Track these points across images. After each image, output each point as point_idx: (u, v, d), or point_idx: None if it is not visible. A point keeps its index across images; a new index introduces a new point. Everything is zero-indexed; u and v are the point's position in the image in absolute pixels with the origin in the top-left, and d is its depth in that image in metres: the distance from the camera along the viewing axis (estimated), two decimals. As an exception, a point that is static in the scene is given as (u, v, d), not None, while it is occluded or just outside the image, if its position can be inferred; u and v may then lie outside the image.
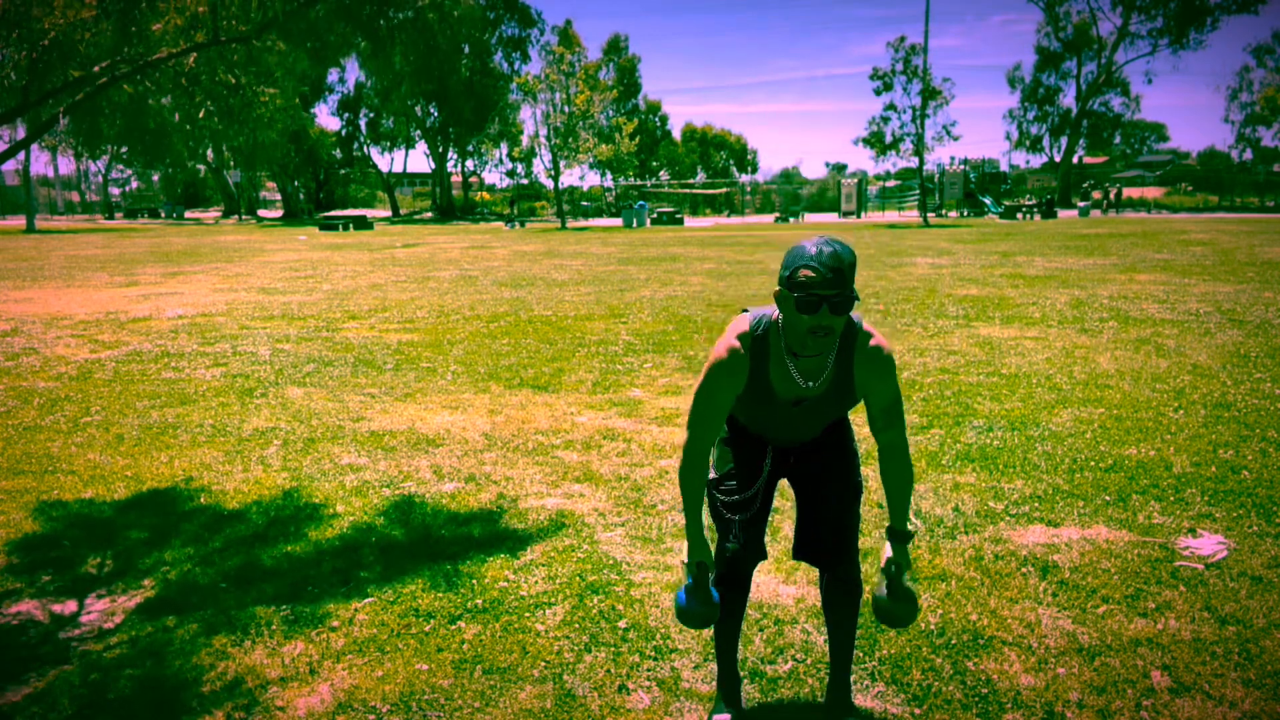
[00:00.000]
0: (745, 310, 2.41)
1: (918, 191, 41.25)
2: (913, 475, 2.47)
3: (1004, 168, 57.26)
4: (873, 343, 2.31)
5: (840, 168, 76.47)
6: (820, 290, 2.11)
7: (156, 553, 3.93)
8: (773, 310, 2.33)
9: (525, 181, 55.98)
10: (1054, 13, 51.04)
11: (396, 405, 6.44)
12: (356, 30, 4.62)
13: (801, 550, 2.59)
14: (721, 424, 2.43)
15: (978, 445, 5.22)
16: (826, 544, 2.53)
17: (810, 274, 2.11)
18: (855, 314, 2.33)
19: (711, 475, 2.54)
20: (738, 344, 2.31)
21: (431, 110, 52.47)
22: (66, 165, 68.95)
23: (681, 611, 2.46)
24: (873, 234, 28.49)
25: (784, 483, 2.67)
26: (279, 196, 62.27)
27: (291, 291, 13.84)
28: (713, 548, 2.56)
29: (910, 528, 2.50)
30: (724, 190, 56.88)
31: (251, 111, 4.66)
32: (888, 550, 2.43)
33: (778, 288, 2.20)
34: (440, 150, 54.52)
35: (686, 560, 2.45)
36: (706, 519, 2.53)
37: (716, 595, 2.45)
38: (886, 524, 2.47)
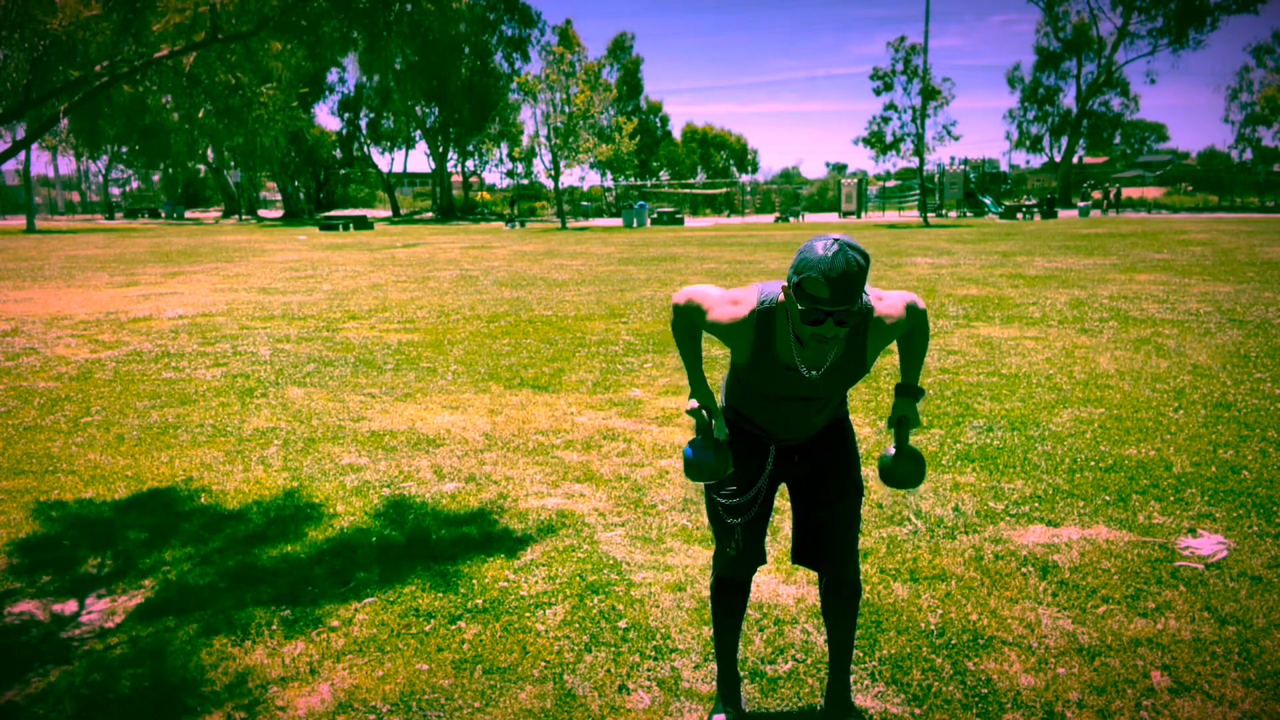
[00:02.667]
0: (756, 283, 2.38)
1: (918, 191, 41.26)
2: (929, 341, 2.47)
3: (1004, 168, 57.30)
4: (880, 312, 2.29)
5: (840, 168, 76.49)
6: (827, 307, 2.08)
7: (157, 553, 3.93)
8: (780, 290, 2.29)
9: (525, 181, 55.94)
10: (1054, 13, 51.04)
11: (397, 405, 6.45)
12: (353, 24, 4.61)
13: (801, 554, 2.58)
14: (702, 325, 2.41)
15: (978, 445, 5.22)
16: (827, 544, 2.52)
17: (818, 290, 2.06)
18: (867, 290, 2.29)
19: (711, 481, 2.53)
20: (745, 313, 2.30)
21: (431, 110, 52.47)
22: (67, 165, 68.98)
23: (690, 464, 2.41)
24: (873, 234, 28.49)
25: (783, 486, 2.66)
26: (279, 196, 62.26)
27: (292, 291, 13.84)
28: (716, 548, 2.56)
29: (922, 394, 2.48)
30: (724, 190, 56.85)
31: (251, 110, 4.67)
32: (896, 407, 2.43)
33: (786, 284, 2.17)
34: (440, 150, 54.53)
35: (689, 409, 2.43)
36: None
37: (725, 439, 2.42)
38: (896, 386, 2.48)
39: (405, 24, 4.77)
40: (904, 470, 2.45)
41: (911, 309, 2.37)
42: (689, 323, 2.46)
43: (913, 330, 2.44)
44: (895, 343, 2.48)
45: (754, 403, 2.45)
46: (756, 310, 2.29)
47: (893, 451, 2.46)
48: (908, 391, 2.46)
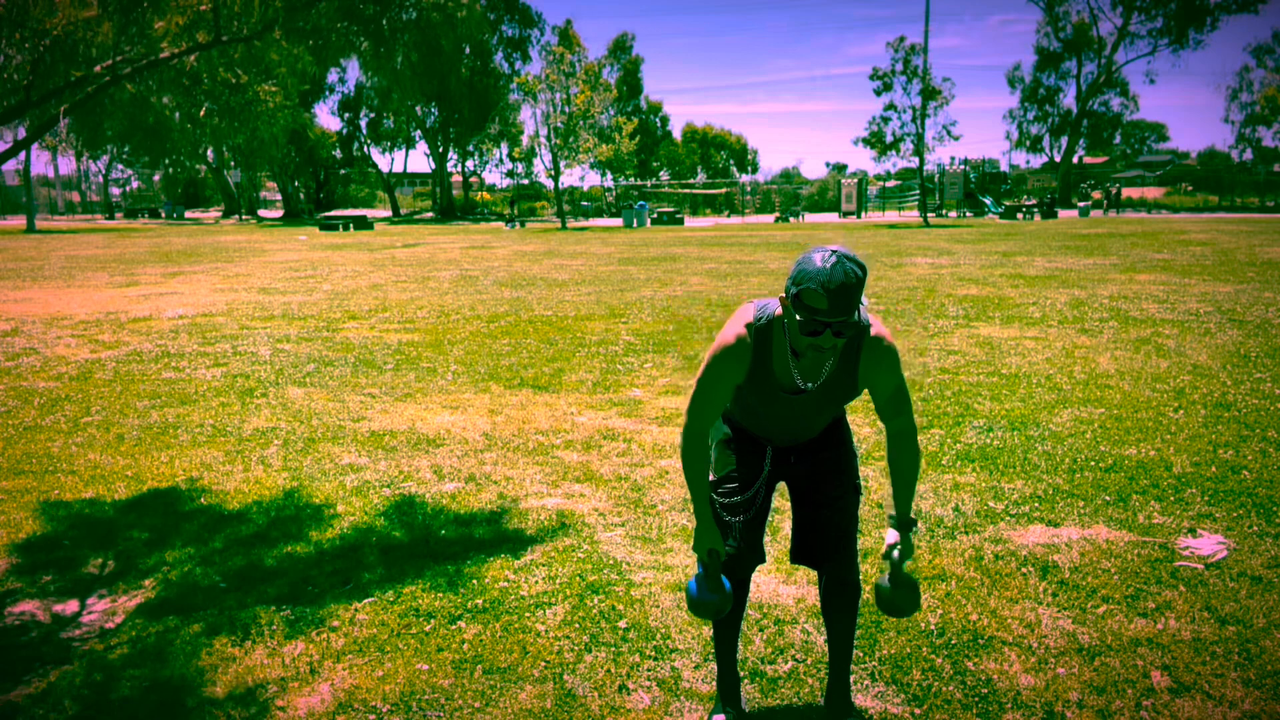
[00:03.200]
0: (750, 301, 2.40)
1: (918, 191, 41.24)
2: (919, 462, 2.47)
3: (1004, 168, 57.24)
4: (875, 333, 2.30)
5: (840, 168, 76.35)
6: (825, 318, 2.10)
7: (157, 553, 3.94)
8: (777, 304, 2.32)
9: (525, 181, 55.95)
10: (1054, 13, 51.00)
11: (397, 405, 6.45)
12: (359, 30, 4.62)
13: (800, 553, 2.59)
14: (720, 410, 2.42)
15: (978, 445, 5.22)
16: (826, 544, 2.52)
17: (816, 301, 2.08)
18: (864, 312, 2.31)
19: (711, 477, 2.53)
20: (744, 332, 2.31)
21: (431, 110, 52.47)
22: (67, 165, 69.02)
23: (694, 602, 2.44)
24: (873, 234, 28.49)
25: (783, 485, 2.67)
26: (279, 196, 62.25)
27: (292, 291, 13.85)
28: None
29: (914, 517, 2.48)
30: (724, 190, 56.84)
31: (253, 110, 4.67)
32: (891, 537, 2.42)
33: (784, 295, 2.19)
34: (440, 150, 54.52)
35: (695, 548, 2.45)
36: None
37: (728, 584, 2.44)
38: (889, 517, 2.47)
39: (412, 31, 4.77)
40: (902, 600, 2.45)
41: (893, 348, 2.33)
42: (702, 441, 2.42)
43: (901, 444, 2.41)
44: (887, 466, 2.47)
45: (750, 414, 2.48)
46: (753, 326, 2.31)
47: (887, 581, 2.44)
48: (903, 524, 2.42)
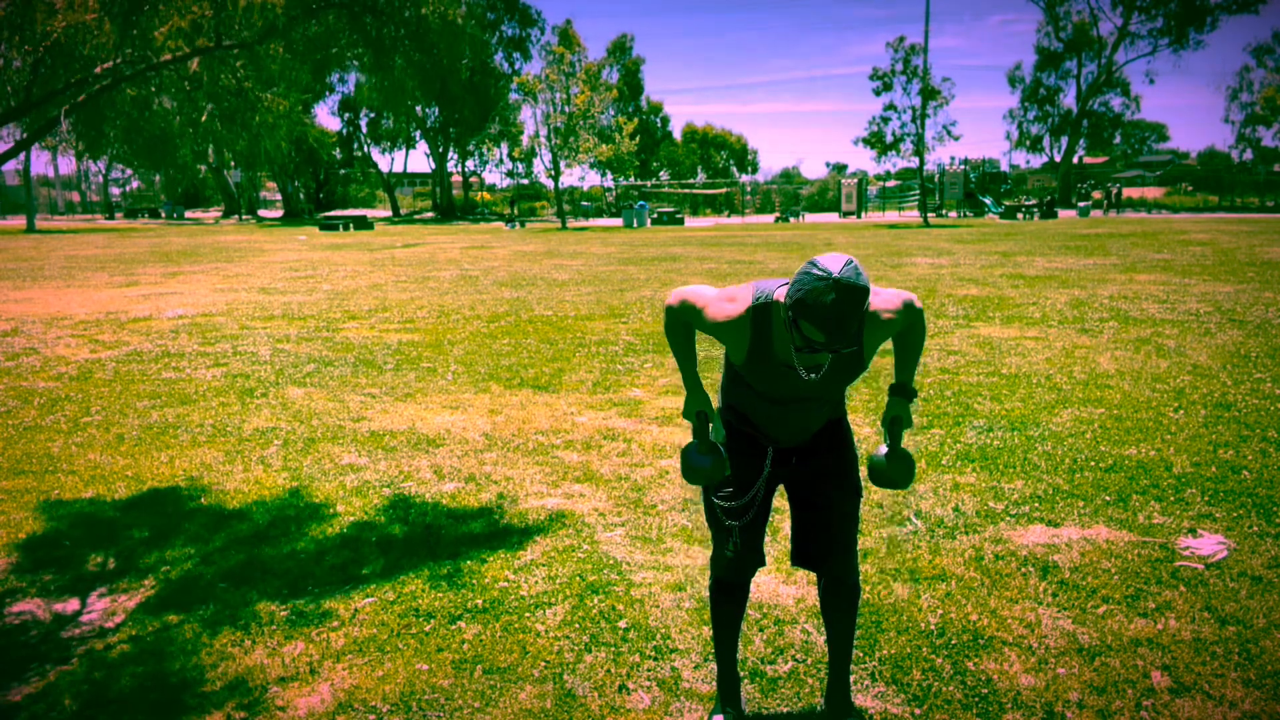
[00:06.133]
0: (751, 282, 2.37)
1: (918, 191, 41.24)
2: (924, 339, 2.48)
3: (1004, 168, 57.22)
4: (874, 307, 2.29)
5: (840, 168, 76.39)
6: (824, 349, 2.05)
7: (157, 552, 3.94)
8: (776, 288, 2.27)
9: (525, 181, 55.94)
10: (1054, 13, 51.02)
11: (397, 405, 6.45)
12: (360, 40, 4.62)
13: (800, 557, 2.57)
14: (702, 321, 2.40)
15: (978, 445, 5.23)
16: (826, 545, 2.51)
17: (815, 335, 2.02)
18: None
19: (708, 484, 2.52)
20: (743, 312, 2.28)
21: (431, 110, 52.45)
22: (67, 165, 68.97)
23: (686, 468, 2.42)
24: (873, 234, 28.49)
25: (782, 487, 2.66)
26: (279, 196, 62.24)
27: (292, 291, 13.85)
28: (713, 523, 2.55)
29: (913, 399, 2.49)
30: (724, 190, 56.82)
31: (254, 115, 4.67)
32: (890, 407, 2.43)
33: (785, 301, 2.10)
34: (440, 150, 54.52)
35: (684, 414, 2.45)
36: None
37: (724, 451, 2.42)
38: (890, 386, 2.48)
39: (412, 40, 4.77)
40: (895, 471, 2.46)
41: (908, 307, 2.37)
42: (683, 324, 2.46)
43: (909, 328, 2.44)
44: (891, 341, 2.49)
45: (752, 402, 2.45)
46: (753, 307, 2.28)
47: (884, 451, 2.47)
48: (902, 391, 2.46)
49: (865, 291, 2.02)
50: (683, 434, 5.55)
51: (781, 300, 2.22)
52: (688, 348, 2.50)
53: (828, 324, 1.99)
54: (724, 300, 2.34)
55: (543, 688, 2.82)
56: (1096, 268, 15.37)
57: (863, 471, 2.62)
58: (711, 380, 2.81)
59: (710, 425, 2.46)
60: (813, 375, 2.27)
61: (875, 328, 2.29)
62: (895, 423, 2.46)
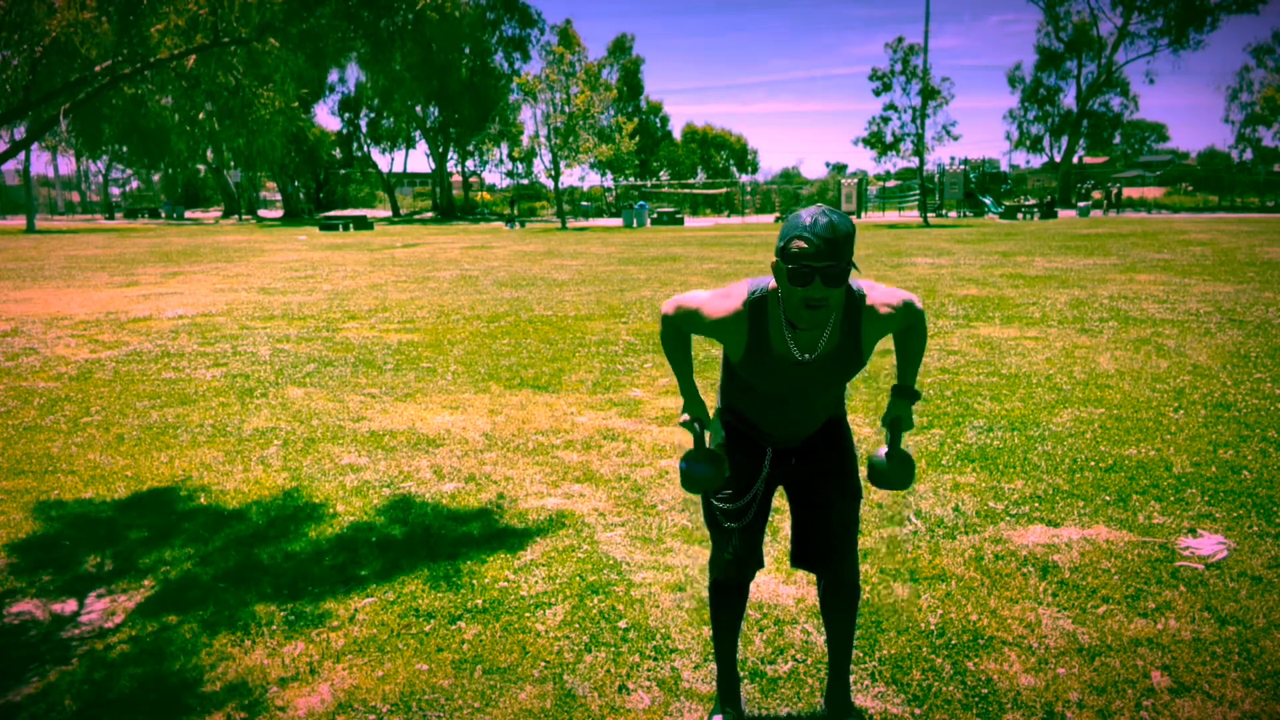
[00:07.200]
0: (745, 279, 2.38)
1: (918, 192, 41.24)
2: (926, 342, 2.50)
3: (1004, 168, 57.21)
4: (872, 301, 2.29)
5: (840, 168, 76.33)
6: (813, 262, 2.07)
7: (157, 552, 3.93)
8: (770, 280, 2.29)
9: (525, 181, 55.91)
10: (1054, 13, 51.03)
11: (396, 405, 6.45)
12: (357, 33, 4.62)
13: (800, 558, 2.57)
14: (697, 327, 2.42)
15: (978, 445, 5.22)
16: (826, 547, 2.51)
17: (803, 245, 2.07)
18: (859, 282, 2.30)
19: (706, 491, 2.52)
20: (740, 306, 2.29)
21: (431, 110, 52.46)
22: (67, 165, 68.95)
23: (684, 476, 2.42)
24: (873, 234, 28.49)
25: (782, 488, 2.65)
26: (279, 196, 62.25)
27: (291, 291, 13.84)
28: (709, 505, 2.55)
29: (913, 406, 2.50)
30: (724, 190, 56.82)
31: (251, 113, 4.66)
32: (891, 407, 2.43)
33: (774, 258, 2.17)
34: (440, 150, 54.52)
35: (682, 421, 2.47)
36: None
37: (722, 456, 2.42)
38: (891, 388, 2.50)
39: (409, 33, 4.77)
40: (895, 472, 2.46)
41: (908, 306, 2.37)
42: (679, 331, 2.48)
43: (909, 329, 2.44)
44: (892, 341, 2.49)
45: (752, 401, 2.45)
46: (749, 301, 2.29)
47: (884, 452, 2.47)
48: (903, 393, 2.47)
49: (851, 222, 2.12)
50: (683, 434, 5.55)
51: (774, 289, 2.25)
52: (684, 356, 2.51)
53: (814, 230, 2.07)
54: (719, 298, 2.35)
55: (543, 688, 2.81)
56: (1096, 268, 15.37)
57: (863, 472, 2.61)
58: (711, 380, 2.81)
59: (707, 433, 2.46)
60: (808, 355, 2.26)
61: (874, 321, 2.29)
62: (896, 423, 2.46)
